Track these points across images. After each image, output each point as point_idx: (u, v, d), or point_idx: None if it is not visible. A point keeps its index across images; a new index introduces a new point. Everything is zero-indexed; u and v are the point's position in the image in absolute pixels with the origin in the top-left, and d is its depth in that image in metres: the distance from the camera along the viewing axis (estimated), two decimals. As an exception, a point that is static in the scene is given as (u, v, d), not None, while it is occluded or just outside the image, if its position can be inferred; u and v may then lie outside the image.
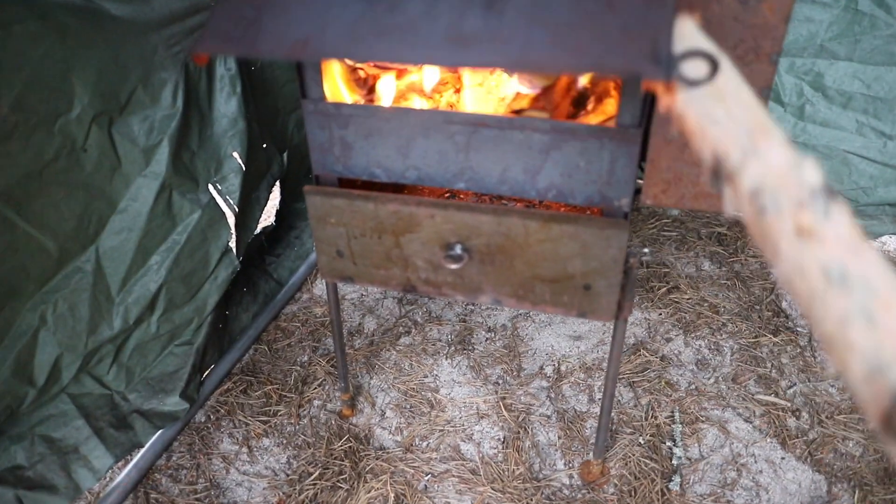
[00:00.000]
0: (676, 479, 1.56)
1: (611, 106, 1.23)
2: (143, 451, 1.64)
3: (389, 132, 1.18)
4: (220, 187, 1.70)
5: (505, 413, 1.73)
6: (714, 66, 0.54)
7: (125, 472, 1.59)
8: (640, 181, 1.20)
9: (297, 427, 1.73)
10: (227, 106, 1.67)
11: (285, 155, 2.07)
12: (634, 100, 1.05)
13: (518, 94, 1.23)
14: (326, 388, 1.83)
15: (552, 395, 1.80)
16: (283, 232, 2.28)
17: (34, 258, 1.39)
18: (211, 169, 1.68)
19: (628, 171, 1.11)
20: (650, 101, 1.08)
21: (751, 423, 1.70)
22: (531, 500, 1.53)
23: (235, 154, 1.71)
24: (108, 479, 1.62)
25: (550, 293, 1.24)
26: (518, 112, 1.23)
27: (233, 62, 1.67)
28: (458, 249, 1.22)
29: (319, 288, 2.20)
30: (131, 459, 1.62)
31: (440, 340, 1.97)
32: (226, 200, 1.71)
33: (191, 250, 1.65)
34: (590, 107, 1.24)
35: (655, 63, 0.65)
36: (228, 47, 0.84)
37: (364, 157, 1.22)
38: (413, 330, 2.01)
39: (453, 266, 1.20)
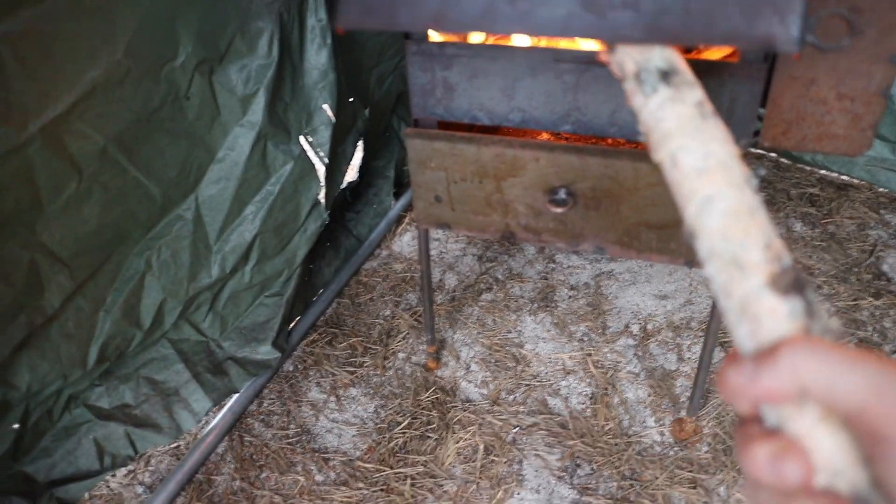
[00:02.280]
0: (774, 439, 1.52)
1: (727, 44, 1.17)
2: (236, 396, 1.69)
3: (495, 72, 1.15)
4: (310, 139, 1.71)
5: (593, 369, 1.71)
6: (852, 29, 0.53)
7: (220, 416, 1.65)
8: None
9: (383, 378, 1.76)
10: (317, 57, 1.68)
11: (367, 111, 2.07)
12: (762, 31, 0.99)
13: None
14: (410, 341, 1.85)
15: (639, 354, 1.76)
16: (362, 189, 2.29)
17: (141, 204, 1.43)
18: (302, 121, 1.69)
19: (749, 109, 1.06)
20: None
21: (852, 386, 1.63)
22: (622, 455, 1.52)
23: (325, 106, 1.72)
24: (203, 422, 1.68)
25: (657, 240, 1.20)
26: (632, 48, 1.19)
27: (323, 13, 1.66)
28: (562, 194, 1.19)
29: (398, 245, 2.21)
30: (225, 404, 1.68)
31: (522, 297, 1.96)
32: (316, 153, 1.73)
33: (283, 202, 1.67)
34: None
35: (788, 33, 0.61)
36: (368, 20, 0.82)
37: (466, 99, 1.20)
38: (494, 286, 2.00)
39: (558, 210, 1.18)
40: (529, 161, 1.18)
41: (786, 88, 1.07)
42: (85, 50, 1.18)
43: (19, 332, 1.27)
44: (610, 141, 1.40)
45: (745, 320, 0.35)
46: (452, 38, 1.24)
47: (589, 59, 1.09)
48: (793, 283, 0.35)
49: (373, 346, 1.84)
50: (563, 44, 1.17)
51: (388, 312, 1.95)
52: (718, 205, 0.38)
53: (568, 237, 1.26)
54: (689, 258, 1.20)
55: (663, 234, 1.19)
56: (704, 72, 1.04)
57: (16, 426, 1.38)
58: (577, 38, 1.18)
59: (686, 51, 1.19)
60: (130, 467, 1.58)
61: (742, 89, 1.04)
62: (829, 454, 0.31)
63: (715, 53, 1.15)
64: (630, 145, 1.32)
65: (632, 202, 1.17)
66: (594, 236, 1.24)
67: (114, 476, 1.56)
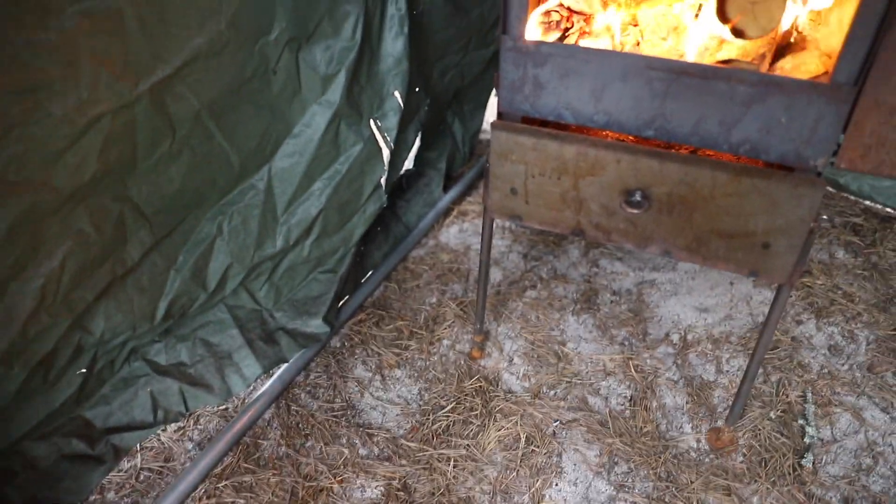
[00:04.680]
0: (809, 456, 1.55)
1: (810, 60, 1.21)
2: (286, 366, 1.74)
3: (587, 73, 1.20)
4: (379, 124, 1.76)
5: (633, 373, 1.75)
6: None
7: (270, 383, 1.69)
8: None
9: (428, 362, 1.80)
10: (394, 45, 1.72)
11: (427, 102, 2.12)
12: (856, 57, 1.03)
13: (722, 41, 1.23)
14: (455, 329, 1.89)
15: (678, 362, 1.80)
16: (414, 178, 2.34)
17: (221, 170, 1.48)
18: (374, 105, 1.74)
19: (833, 130, 1.10)
20: (871, 59, 1.06)
21: (888, 413, 1.66)
22: (659, 457, 1.55)
23: (397, 93, 1.77)
24: (252, 388, 1.73)
25: (725, 249, 1.24)
26: (725, 62, 1.23)
27: (403, 2, 1.71)
28: (638, 196, 1.23)
29: (445, 236, 2.25)
30: (274, 373, 1.73)
31: (566, 297, 2.00)
32: (383, 137, 1.78)
33: (349, 181, 1.72)
34: (787, 63, 1.23)
35: None
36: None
37: (555, 97, 1.25)
38: (539, 284, 2.04)
39: (633, 212, 1.22)
40: (611, 162, 1.23)
41: (870, 113, 1.11)
42: (194, 18, 1.24)
43: (103, 280, 1.32)
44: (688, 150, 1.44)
45: None
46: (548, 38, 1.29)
47: (681, 70, 1.13)
48: None
49: (418, 331, 1.88)
50: (658, 52, 1.21)
51: (433, 300, 1.99)
52: None
53: (637, 239, 1.30)
54: (755, 268, 1.24)
55: (732, 243, 1.23)
56: (795, 90, 1.08)
57: (83, 371, 1.43)
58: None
59: (772, 62, 1.23)
60: (181, 424, 1.63)
61: (829, 110, 1.08)
62: None
63: (799, 73, 1.19)
64: (710, 154, 1.36)
65: (706, 210, 1.21)
66: (663, 240, 1.28)
67: (164, 431, 1.62)
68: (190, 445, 1.60)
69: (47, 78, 1.04)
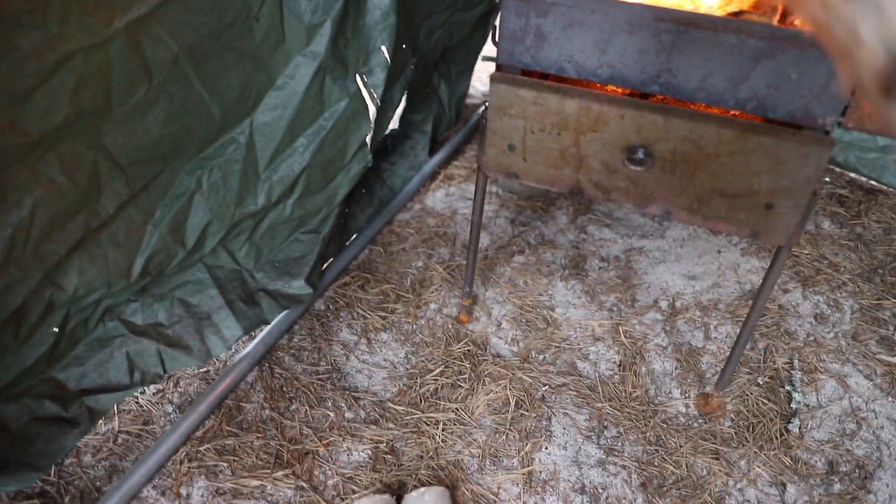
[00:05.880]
0: (796, 421, 1.56)
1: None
2: (268, 328, 1.68)
3: (591, 24, 1.15)
4: (365, 79, 1.69)
5: (622, 338, 1.74)
6: None
7: (252, 345, 1.64)
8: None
9: (415, 326, 1.76)
10: (382, -3, 1.65)
11: (413, 61, 2.05)
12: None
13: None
14: (443, 293, 1.85)
15: (667, 329, 1.79)
16: (399, 141, 2.27)
17: (200, 121, 1.41)
18: (360, 59, 1.67)
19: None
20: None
21: (871, 380, 1.68)
22: (649, 422, 1.55)
23: (384, 48, 1.69)
24: (234, 350, 1.67)
25: (727, 209, 1.21)
26: (736, 14, 1.19)
27: (393, -49, 1.63)
28: (640, 153, 1.20)
29: (431, 200, 2.20)
30: (256, 335, 1.67)
31: (554, 263, 1.97)
32: (370, 93, 1.71)
33: (334, 138, 1.65)
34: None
35: None
36: None
37: (556, 49, 1.19)
38: (527, 250, 2.01)
39: (636, 169, 1.18)
40: (614, 117, 1.18)
41: (880, 71, 1.08)
42: (174, -49, 1.15)
43: (76, 233, 1.25)
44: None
45: None
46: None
47: (689, 21, 1.09)
48: None
49: (405, 295, 1.84)
50: (666, 3, 1.16)
51: (420, 264, 1.95)
52: None
53: (637, 198, 1.26)
54: (756, 229, 1.22)
55: (735, 203, 1.20)
56: (807, 45, 1.05)
57: (55, 330, 1.36)
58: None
59: (783, 16, 1.20)
60: (160, 386, 1.58)
61: (840, 66, 1.05)
62: None
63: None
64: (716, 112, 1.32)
65: (709, 168, 1.18)
66: (664, 199, 1.25)
67: (143, 393, 1.56)
68: (170, 408, 1.54)
69: (11, 8, 0.96)
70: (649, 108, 1.16)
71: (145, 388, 1.55)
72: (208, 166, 1.49)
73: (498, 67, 1.26)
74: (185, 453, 1.43)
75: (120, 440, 1.47)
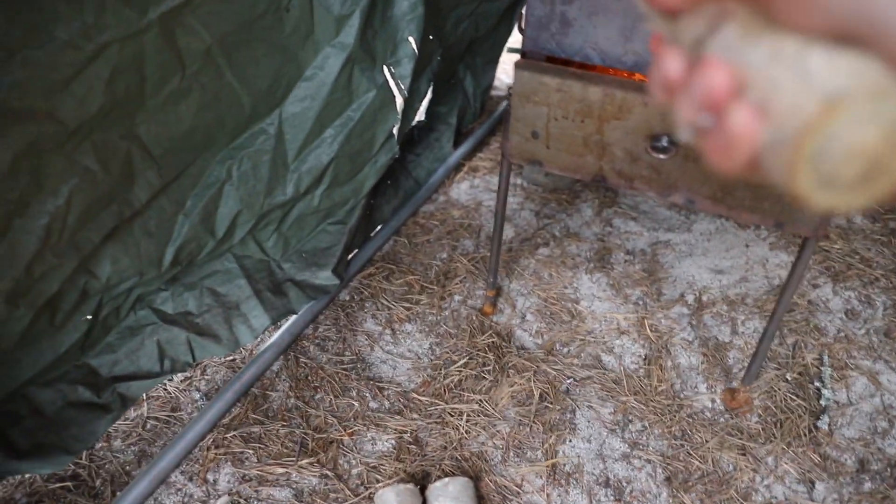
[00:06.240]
0: (825, 418, 1.53)
1: None
2: (294, 318, 1.71)
3: (617, 11, 1.14)
4: (393, 70, 1.70)
5: (648, 332, 1.72)
6: None
7: (278, 335, 1.66)
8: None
9: (439, 317, 1.77)
10: (410, -12, 1.65)
11: (440, 52, 2.05)
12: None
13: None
14: (467, 285, 1.86)
15: (693, 323, 1.77)
16: (424, 133, 2.28)
17: (231, 111, 1.43)
18: (388, 50, 1.68)
19: None
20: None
21: (905, 376, 1.64)
22: (674, 416, 1.53)
23: (411, 39, 1.70)
24: (260, 340, 1.70)
25: (752, 198, 1.20)
26: None
27: (421, -57, 1.64)
28: (664, 141, 1.19)
29: (456, 192, 2.21)
30: (283, 325, 1.70)
31: (579, 256, 1.96)
32: (397, 84, 1.72)
33: (361, 129, 1.67)
34: None
35: None
36: None
37: (581, 36, 1.19)
38: (551, 242, 2.00)
39: (660, 157, 1.18)
40: (637, 105, 1.18)
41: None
42: (206, -57, 1.17)
43: (109, 222, 1.28)
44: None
45: None
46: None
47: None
48: None
49: (429, 286, 1.85)
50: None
51: (444, 255, 1.96)
52: None
53: (661, 187, 1.25)
54: (780, 220, 1.20)
55: (760, 192, 1.19)
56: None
57: (89, 317, 1.40)
58: None
59: None
60: (187, 374, 1.61)
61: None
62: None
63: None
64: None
65: (737, 158, 1.16)
66: (687, 188, 1.23)
67: (171, 381, 1.59)
68: (197, 395, 1.57)
69: (51, -1, 0.99)
70: (676, 96, 1.15)
71: (173, 376, 1.58)
72: (238, 156, 1.51)
73: (522, 55, 1.26)
74: (211, 440, 1.46)
75: (149, 426, 1.50)
